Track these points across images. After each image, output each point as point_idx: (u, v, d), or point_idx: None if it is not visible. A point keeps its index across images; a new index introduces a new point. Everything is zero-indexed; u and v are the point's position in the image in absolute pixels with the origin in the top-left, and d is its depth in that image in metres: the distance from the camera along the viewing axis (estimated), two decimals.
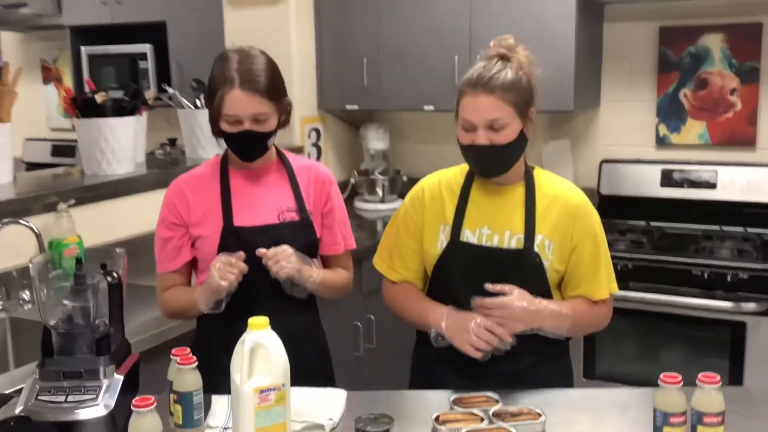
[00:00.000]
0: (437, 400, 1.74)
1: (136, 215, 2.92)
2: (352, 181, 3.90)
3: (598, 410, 1.71)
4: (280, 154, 2.03)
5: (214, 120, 1.88)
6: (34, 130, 5.25)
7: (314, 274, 1.92)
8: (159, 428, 1.39)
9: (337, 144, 4.00)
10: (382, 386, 2.05)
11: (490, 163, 1.83)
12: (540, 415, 1.62)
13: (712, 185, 3.34)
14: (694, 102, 3.40)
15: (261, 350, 1.48)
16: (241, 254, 1.83)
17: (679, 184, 3.39)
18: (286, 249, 1.86)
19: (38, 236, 2.40)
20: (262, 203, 1.96)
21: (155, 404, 1.39)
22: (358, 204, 3.88)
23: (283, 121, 1.94)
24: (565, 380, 1.95)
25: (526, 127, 1.82)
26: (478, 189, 1.90)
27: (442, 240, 1.89)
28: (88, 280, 1.57)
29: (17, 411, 1.49)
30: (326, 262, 2.06)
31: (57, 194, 2.65)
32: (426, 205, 1.93)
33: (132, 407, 1.38)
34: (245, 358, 1.47)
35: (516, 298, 1.78)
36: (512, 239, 1.86)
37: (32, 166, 4.55)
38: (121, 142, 2.90)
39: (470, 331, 1.77)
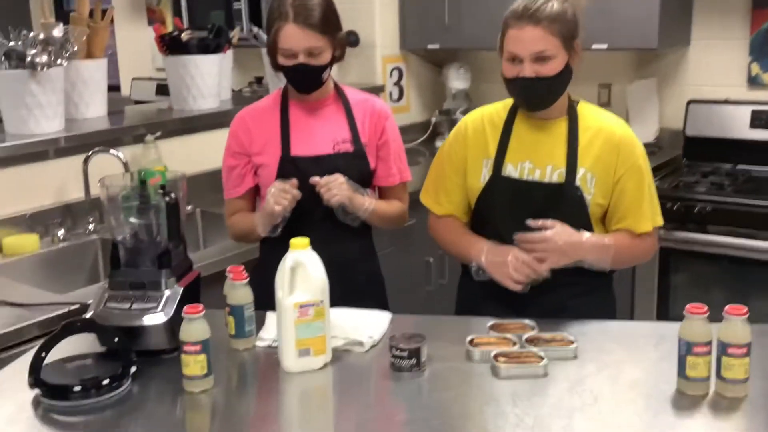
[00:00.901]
0: (477, 325, 1.80)
1: (220, 149, 3.07)
2: (434, 121, 3.93)
3: (632, 341, 1.73)
4: (337, 87, 2.11)
5: (272, 54, 1.97)
6: (140, 70, 5.53)
7: (366, 203, 2.00)
8: (207, 333, 1.52)
9: (419, 84, 4.02)
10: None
11: (536, 96, 1.84)
12: (572, 342, 1.65)
13: None
14: None
15: (301, 269, 1.59)
16: (294, 181, 1.93)
17: None
18: (338, 177, 1.95)
19: (126, 165, 2.59)
20: (318, 134, 2.05)
21: (203, 312, 1.52)
22: (439, 144, 3.91)
23: (338, 56, 2.01)
24: (607, 314, 1.97)
25: (572, 60, 1.82)
26: (521, 123, 1.92)
27: (484, 174, 1.93)
28: (152, 200, 1.71)
29: (88, 316, 1.66)
30: (382, 194, 2.13)
31: (145, 126, 2.84)
32: (469, 139, 1.97)
33: (183, 314, 1.52)
34: (286, 276, 1.58)
35: (557, 232, 1.81)
36: (554, 173, 1.87)
37: (139, 104, 4.82)
38: (205, 79, 3.04)
39: (508, 264, 1.81)
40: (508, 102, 1.96)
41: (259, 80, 3.87)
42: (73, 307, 1.96)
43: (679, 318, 1.47)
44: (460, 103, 3.93)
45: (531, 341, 1.67)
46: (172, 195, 1.67)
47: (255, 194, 2.12)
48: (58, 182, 2.62)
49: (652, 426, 1.40)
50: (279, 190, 1.92)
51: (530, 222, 1.84)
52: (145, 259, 1.70)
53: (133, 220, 1.71)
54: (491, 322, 1.78)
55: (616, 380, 1.56)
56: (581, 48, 1.83)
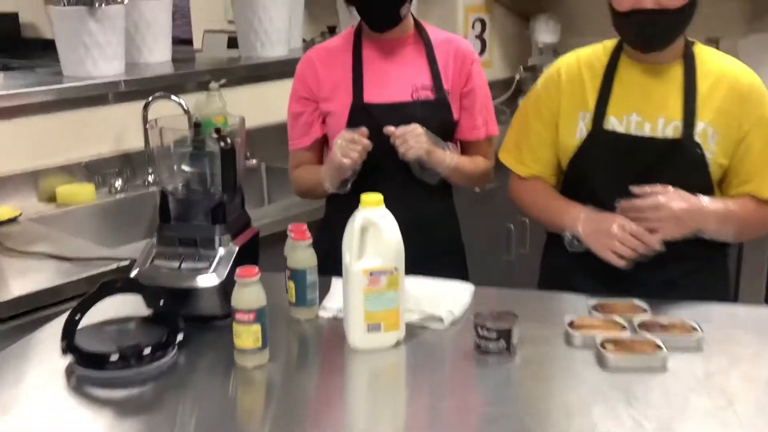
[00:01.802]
0: (574, 303, 1.55)
1: (288, 99, 2.86)
2: (518, 77, 3.64)
3: (766, 330, 1.44)
4: (418, 25, 1.85)
5: None
6: (213, 23, 5.37)
7: (447, 158, 1.76)
8: (262, 300, 1.31)
9: (503, 37, 3.72)
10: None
11: (656, 32, 1.55)
12: (695, 329, 1.38)
13: None
14: None
15: (373, 229, 1.35)
16: (364, 130, 1.70)
17: None
18: (416, 128, 1.71)
19: (187, 113, 2.41)
20: (395, 79, 1.80)
21: (259, 275, 1.31)
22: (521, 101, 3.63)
23: None
24: (722, 293, 1.68)
25: None
26: (626, 68, 1.63)
27: (581, 129, 1.65)
28: (206, 147, 1.50)
29: (132, 274, 1.47)
30: (464, 148, 1.88)
31: (210, 73, 2.65)
32: (562, 88, 1.68)
33: (235, 277, 1.31)
34: (355, 237, 1.35)
35: (672, 197, 1.52)
36: (668, 127, 1.59)
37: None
38: (274, 23, 2.83)
39: (613, 235, 1.54)
40: (609, 44, 1.67)
41: (332, 30, 3.62)
42: (123, 263, 1.79)
43: None
44: (548, 59, 3.57)
45: (644, 326, 1.40)
46: (228, 140, 1.46)
47: (322, 145, 1.90)
48: (116, 129, 2.45)
49: None
50: (347, 140, 1.69)
51: (635, 189, 1.55)
52: (197, 213, 1.50)
53: (185, 168, 1.51)
54: (594, 300, 1.51)
55: (753, 379, 1.28)
56: None
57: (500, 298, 1.63)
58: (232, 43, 5.58)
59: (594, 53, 1.68)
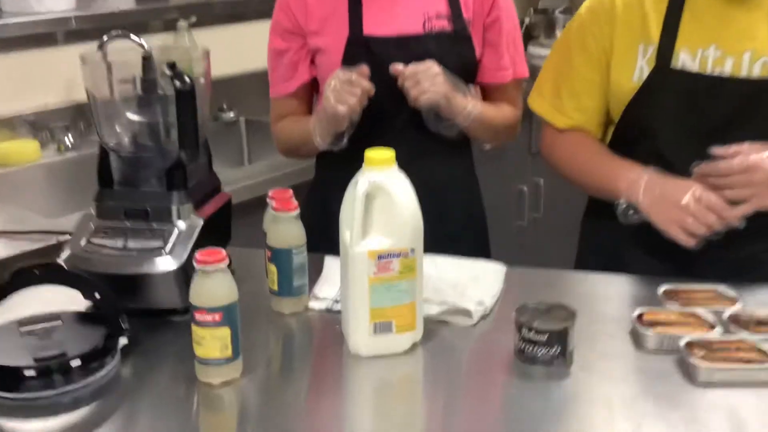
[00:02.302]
0: (635, 289, 1.22)
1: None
2: (527, 21, 3.31)
3: None
4: None
5: None
6: None
7: (469, 105, 1.40)
8: (231, 295, 0.97)
9: None
10: (548, 265, 1.55)
11: None
12: None
13: None
14: None
15: (382, 197, 1.00)
16: (365, 68, 1.34)
17: None
18: (432, 67, 1.35)
19: (149, 56, 2.02)
20: (402, 6, 1.43)
21: (227, 260, 0.96)
22: (533, 49, 3.30)
23: None
24: None
25: None
26: None
27: (641, 67, 1.30)
28: (159, 88, 1.14)
29: (63, 257, 1.12)
30: (486, 93, 1.52)
31: (178, 10, 2.27)
32: (617, 13, 1.33)
33: (194, 263, 0.96)
34: (358, 208, 1.00)
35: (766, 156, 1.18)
36: (755, 64, 1.25)
37: None
38: None
39: (684, 208, 1.20)
40: None
41: None
42: (63, 238, 1.43)
43: None
44: (560, 1, 3.31)
45: (737, 322, 1.07)
46: (187, 78, 1.09)
47: (311, 91, 1.54)
48: (66, 75, 2.08)
49: None
50: (343, 82, 1.33)
51: (717, 149, 1.21)
52: (148, 176, 1.15)
53: (131, 116, 1.15)
54: (664, 287, 1.17)
55: None
56: None
57: (538, 283, 1.29)
58: None
59: None
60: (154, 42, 2.13)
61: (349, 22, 1.43)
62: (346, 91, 1.33)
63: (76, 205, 1.86)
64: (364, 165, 1.02)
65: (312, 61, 1.49)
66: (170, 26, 2.26)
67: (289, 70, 1.50)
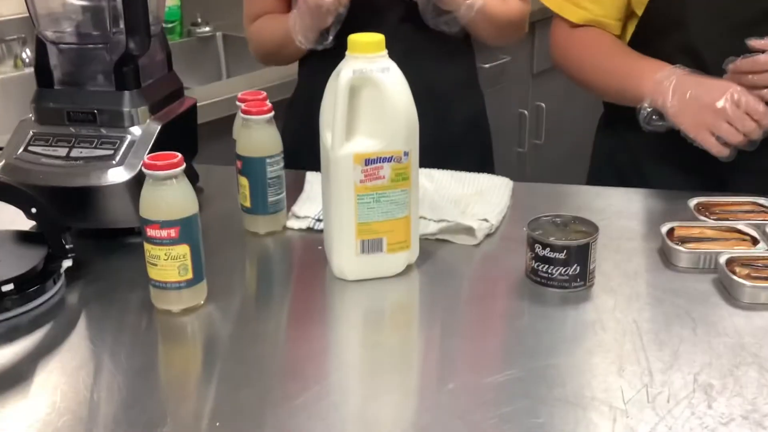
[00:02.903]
0: (661, 204, 1.07)
1: None
2: None
3: None
4: None
5: None
6: None
7: (467, 1, 1.22)
8: (189, 206, 0.81)
9: None
10: None
11: None
12: None
13: None
14: None
15: (369, 90, 0.84)
16: None
17: None
18: None
19: None
20: None
21: (182, 165, 0.80)
22: None
23: None
24: None
25: None
26: None
27: None
28: None
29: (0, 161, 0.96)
30: None
31: None
32: None
33: (143, 169, 0.80)
34: (341, 103, 0.83)
35: None
36: None
37: None
38: None
39: (720, 112, 1.03)
40: None
41: None
42: None
43: None
44: None
45: None
46: None
47: None
48: None
49: None
50: None
51: (753, 42, 1.04)
52: (94, 72, 0.98)
53: (73, 0, 0.97)
54: (696, 199, 1.02)
55: None
56: None
57: (548, 197, 1.13)
58: None
59: None
60: None
61: None
62: None
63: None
64: (347, 52, 0.85)
65: None
66: None
67: None
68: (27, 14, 1.83)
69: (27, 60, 1.82)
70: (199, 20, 2.13)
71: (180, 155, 0.80)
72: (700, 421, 0.67)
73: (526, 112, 2.54)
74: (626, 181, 1.21)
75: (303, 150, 1.07)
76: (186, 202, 0.81)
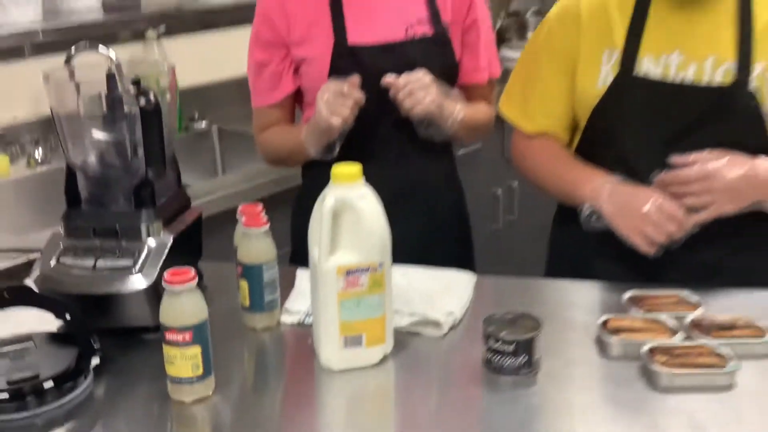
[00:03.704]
0: (603, 297, 1.24)
1: (244, 50, 2.49)
2: (499, 24, 3.34)
3: None
4: None
5: None
6: None
7: (456, 110, 1.42)
8: (201, 314, 0.98)
9: None
10: (524, 266, 1.58)
11: None
12: (765, 330, 1.08)
13: None
14: None
15: (348, 213, 1.02)
16: (356, 80, 1.35)
17: None
18: (423, 77, 1.37)
19: (118, 68, 2.01)
20: (384, 12, 1.45)
21: (196, 279, 0.97)
22: (505, 52, 3.31)
23: None
24: None
25: None
26: None
27: (606, 73, 1.32)
28: (126, 106, 1.14)
29: (32, 277, 1.12)
30: (463, 93, 1.55)
31: (146, 20, 2.26)
32: (583, 21, 1.35)
33: (163, 284, 0.97)
34: (326, 224, 1.01)
35: (725, 163, 1.21)
36: (717, 70, 1.27)
37: None
38: None
39: (646, 216, 1.22)
40: None
41: None
42: (33, 256, 1.43)
43: None
44: (532, 3, 3.36)
45: (698, 327, 1.10)
46: (152, 96, 1.10)
47: (294, 101, 1.55)
48: (34, 88, 2.05)
49: None
50: (335, 94, 1.34)
51: (676, 159, 1.24)
52: (116, 194, 1.15)
53: (97, 135, 1.16)
54: (628, 293, 1.20)
55: None
56: None
57: (506, 291, 1.31)
58: None
59: None
60: (123, 52, 2.14)
61: (334, 31, 1.44)
62: (339, 103, 1.34)
63: (47, 220, 1.84)
64: (331, 181, 1.03)
65: (296, 71, 1.50)
66: (139, 36, 2.25)
67: (273, 80, 1.51)
68: (38, 117, 2.04)
69: (39, 160, 2.00)
70: (196, 116, 2.33)
71: (193, 270, 0.97)
72: None
73: (499, 191, 2.74)
74: (576, 271, 1.39)
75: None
76: (198, 310, 0.97)
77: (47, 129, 2.07)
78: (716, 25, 1.28)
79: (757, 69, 1.25)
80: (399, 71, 1.38)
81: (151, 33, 2.22)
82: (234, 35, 2.49)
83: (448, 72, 1.46)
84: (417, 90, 1.37)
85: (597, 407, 0.98)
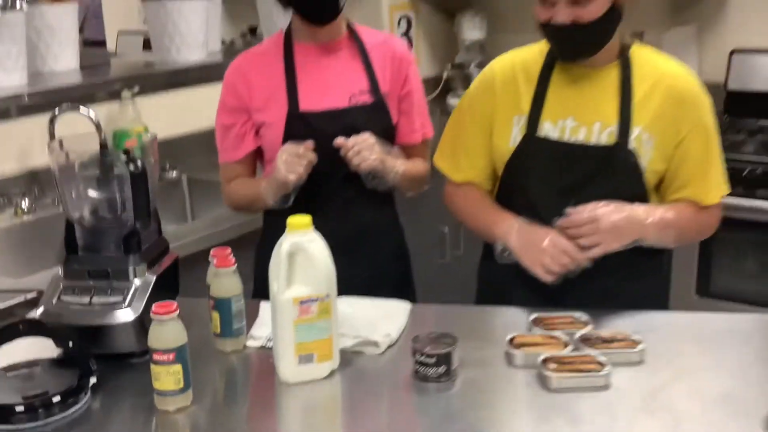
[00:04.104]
0: (514, 319, 1.49)
1: (207, 106, 2.73)
2: (446, 75, 3.59)
3: (711, 339, 1.41)
4: (350, 28, 1.77)
5: None
6: (127, 22, 5.14)
7: (397, 164, 1.70)
8: (181, 338, 1.21)
9: (429, 34, 3.67)
10: (469, 296, 1.82)
11: (573, 45, 1.51)
12: (637, 342, 1.34)
13: None
14: None
15: (301, 255, 1.27)
16: (310, 144, 1.62)
17: None
18: (368, 138, 1.64)
19: (98, 126, 2.25)
20: (332, 84, 1.72)
21: (177, 311, 1.21)
22: (452, 100, 3.58)
23: None
24: (660, 299, 1.67)
25: None
26: (562, 72, 1.58)
27: (515, 134, 1.60)
28: (115, 169, 1.38)
29: (38, 313, 1.34)
30: (402, 151, 1.81)
31: (122, 81, 2.50)
32: (497, 91, 1.63)
33: (151, 314, 1.20)
34: (283, 264, 1.26)
35: (608, 210, 1.49)
36: (603, 133, 1.55)
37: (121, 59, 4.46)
38: (190, 27, 2.69)
39: (543, 250, 1.49)
40: (545, 45, 1.62)
41: (252, 30, 3.50)
42: (30, 296, 1.64)
43: (722, 295, 1.16)
44: (475, 56, 3.58)
45: (586, 341, 1.36)
46: (139, 162, 1.34)
47: (256, 158, 1.80)
48: (20, 145, 2.29)
49: None
50: (292, 155, 1.60)
51: (569, 210, 1.52)
52: (108, 242, 1.38)
53: (92, 193, 1.39)
54: (533, 315, 1.46)
55: (700, 393, 1.24)
56: None
57: (438, 316, 1.56)
58: (149, 44, 5.34)
59: (529, 55, 1.63)
60: (101, 110, 2.38)
61: (288, 100, 1.70)
62: (296, 162, 1.59)
63: (35, 265, 2.05)
64: (287, 229, 1.28)
65: (257, 132, 1.75)
66: (115, 96, 2.48)
67: (237, 141, 1.76)
68: (24, 171, 2.24)
69: (26, 209, 2.20)
70: (168, 166, 2.56)
71: (176, 304, 1.21)
72: None
73: (446, 229, 3.00)
74: (499, 298, 1.64)
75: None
76: (179, 335, 1.20)
77: (32, 182, 2.28)
78: (602, 96, 1.56)
79: (635, 132, 1.54)
80: (344, 134, 1.65)
81: (126, 93, 2.45)
82: (200, 92, 2.75)
83: (386, 134, 1.73)
84: (363, 149, 1.63)
85: (501, 405, 1.23)
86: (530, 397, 1.24)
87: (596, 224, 1.48)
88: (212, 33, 2.91)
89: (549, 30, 1.50)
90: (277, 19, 3.09)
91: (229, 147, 1.78)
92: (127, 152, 1.35)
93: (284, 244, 1.26)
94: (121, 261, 1.37)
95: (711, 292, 2.74)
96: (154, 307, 1.20)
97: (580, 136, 1.56)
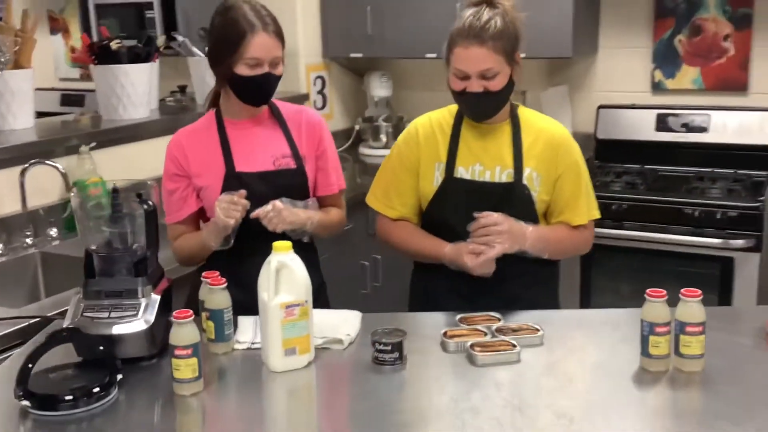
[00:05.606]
0: (444, 319, 1.90)
1: (152, 158, 3.02)
2: (357, 128, 4.00)
3: (591, 327, 1.87)
4: (270, 103, 2.08)
5: (229, 66, 1.93)
6: (42, 80, 5.30)
7: (308, 223, 1.98)
8: (196, 337, 1.54)
9: (341, 91, 4.09)
10: None
11: (484, 108, 1.97)
12: (538, 330, 1.78)
13: (704, 129, 3.45)
14: (689, 48, 3.50)
15: (285, 270, 1.63)
16: (243, 191, 1.91)
17: (674, 129, 3.50)
18: (276, 206, 1.92)
19: (64, 176, 2.53)
20: (259, 151, 2.03)
21: (193, 316, 1.54)
22: (363, 150, 3.98)
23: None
24: (553, 301, 2.14)
25: (514, 72, 1.95)
26: (468, 129, 2.03)
27: (437, 177, 2.03)
28: (125, 208, 1.70)
29: (65, 325, 1.64)
30: (321, 202, 2.12)
31: (78, 137, 2.77)
32: (421, 143, 2.06)
33: (173, 318, 1.53)
34: (271, 277, 1.62)
35: (505, 217, 1.93)
36: (503, 174, 2.00)
37: (42, 116, 4.63)
38: (136, 88, 3.01)
39: (466, 246, 1.93)
40: (453, 108, 2.07)
41: (182, 89, 3.83)
42: (33, 321, 1.92)
43: (600, 307, 1.60)
44: (382, 111, 4.02)
45: (500, 331, 1.78)
46: (150, 202, 1.68)
47: (197, 218, 2.06)
48: None
49: (625, 400, 1.53)
50: (228, 202, 1.88)
51: (477, 215, 1.94)
52: (120, 268, 1.70)
53: (105, 229, 1.71)
54: (459, 315, 1.87)
55: (584, 362, 1.69)
56: (521, 58, 1.96)
57: (384, 321, 1.93)
58: (67, 100, 5.53)
59: (443, 115, 2.08)
60: (61, 163, 2.65)
61: (225, 163, 2.00)
62: (232, 208, 1.89)
63: (8, 302, 2.28)
64: (273, 251, 1.64)
65: (197, 195, 2.04)
66: (72, 150, 2.75)
67: (179, 203, 2.02)
68: (29, 211, 2.47)
69: (26, 243, 2.44)
70: None
71: (191, 311, 1.54)
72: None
73: (366, 262, 3.38)
74: (429, 305, 2.05)
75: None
76: (195, 335, 1.54)
77: (2, 228, 2.51)
78: (500, 146, 2.02)
79: (526, 172, 2.00)
80: (272, 191, 1.95)
81: (84, 147, 2.73)
82: (147, 145, 3.04)
83: (306, 190, 2.05)
84: (273, 217, 1.90)
85: (440, 379, 1.62)
86: (463, 371, 1.64)
87: (497, 227, 1.90)
88: (152, 92, 3.22)
89: (464, 97, 1.95)
90: (209, 80, 3.44)
91: (173, 209, 2.03)
92: (139, 195, 1.68)
93: (272, 262, 1.63)
94: (132, 283, 1.69)
95: (591, 308, 3.25)
96: (175, 313, 1.54)
97: (486, 177, 2.01)
